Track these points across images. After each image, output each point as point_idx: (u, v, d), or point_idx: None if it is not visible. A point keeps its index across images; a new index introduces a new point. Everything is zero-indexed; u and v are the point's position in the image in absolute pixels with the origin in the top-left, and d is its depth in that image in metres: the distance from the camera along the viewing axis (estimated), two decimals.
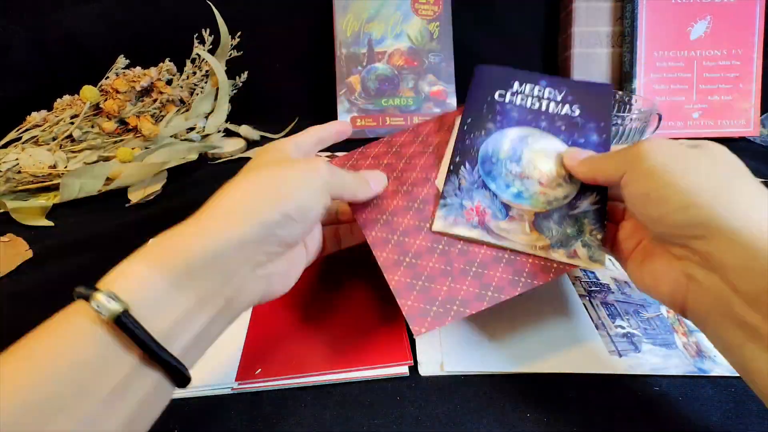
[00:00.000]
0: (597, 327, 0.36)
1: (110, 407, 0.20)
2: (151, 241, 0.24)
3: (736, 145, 0.75)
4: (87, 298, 0.20)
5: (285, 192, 0.26)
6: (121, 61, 0.69)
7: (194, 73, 0.72)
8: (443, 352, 0.33)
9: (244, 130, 0.75)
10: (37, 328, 0.21)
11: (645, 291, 0.30)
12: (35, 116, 0.63)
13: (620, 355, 0.34)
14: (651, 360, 0.33)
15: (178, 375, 0.22)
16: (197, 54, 0.71)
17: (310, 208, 0.27)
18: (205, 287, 0.23)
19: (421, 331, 0.29)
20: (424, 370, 0.32)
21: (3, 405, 0.18)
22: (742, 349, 0.23)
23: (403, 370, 0.32)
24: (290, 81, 0.84)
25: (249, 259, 0.25)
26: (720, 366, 0.33)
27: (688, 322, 0.37)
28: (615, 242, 0.33)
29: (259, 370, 0.32)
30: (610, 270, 0.43)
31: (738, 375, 0.25)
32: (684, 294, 0.26)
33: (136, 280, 0.22)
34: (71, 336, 0.20)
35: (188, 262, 0.23)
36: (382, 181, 0.35)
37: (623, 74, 0.76)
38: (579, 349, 0.34)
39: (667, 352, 0.34)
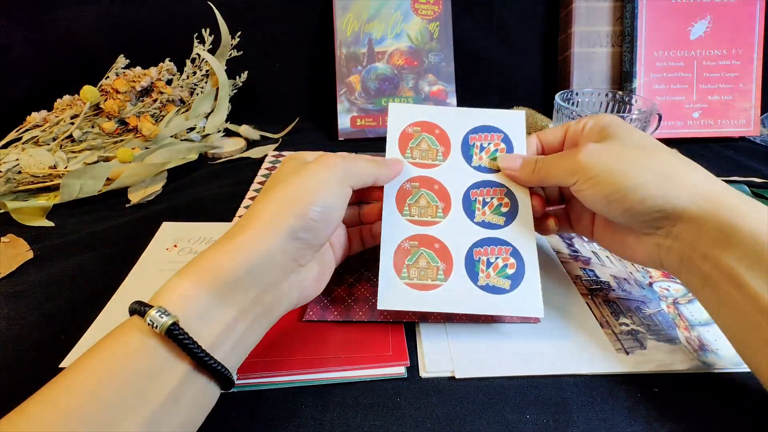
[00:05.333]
0: (602, 325, 0.36)
1: (167, 410, 0.22)
2: (193, 259, 0.26)
3: (736, 144, 0.75)
4: (142, 314, 0.23)
5: (304, 197, 0.27)
6: (121, 61, 0.69)
7: (194, 73, 0.72)
8: (453, 359, 0.33)
9: (244, 130, 0.75)
10: (98, 343, 0.23)
11: (624, 259, 0.39)
12: (35, 116, 0.63)
13: (627, 353, 0.34)
14: (657, 356, 0.33)
15: (224, 379, 0.24)
16: (197, 54, 0.71)
17: (331, 206, 0.28)
18: (244, 299, 0.25)
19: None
20: (432, 375, 0.32)
21: (74, 412, 0.20)
22: (701, 291, 0.29)
23: (400, 371, 0.32)
24: (290, 81, 0.84)
25: (282, 267, 0.27)
26: (723, 359, 0.33)
27: (688, 317, 0.37)
28: (570, 222, 0.39)
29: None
30: (608, 267, 0.43)
31: (740, 370, 0.32)
32: (658, 257, 0.31)
33: (183, 297, 0.24)
34: (131, 349, 0.22)
35: (227, 278, 0.25)
36: (400, 162, 0.36)
37: (623, 74, 0.76)
38: (587, 348, 0.34)
39: (672, 347, 0.34)
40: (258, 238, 0.26)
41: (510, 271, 0.34)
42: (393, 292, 0.32)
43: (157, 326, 0.22)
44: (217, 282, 0.25)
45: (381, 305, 0.32)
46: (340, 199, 0.29)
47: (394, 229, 0.35)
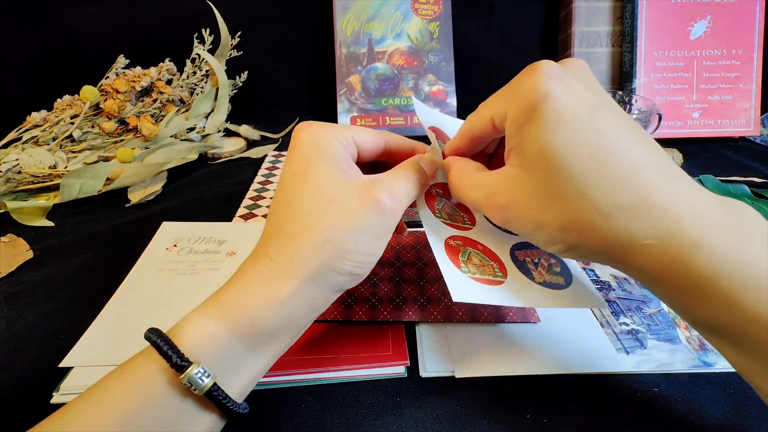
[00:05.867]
0: (602, 325, 0.36)
1: None
2: (224, 298, 0.25)
3: (736, 144, 0.75)
4: (178, 369, 0.22)
5: (351, 253, 0.25)
6: (121, 61, 0.69)
7: (194, 73, 0.72)
8: (453, 359, 0.33)
9: (244, 130, 0.75)
10: (121, 392, 0.22)
11: None
12: (35, 116, 0.63)
13: (627, 353, 0.34)
14: (657, 356, 0.33)
15: (242, 416, 0.25)
16: (197, 54, 0.71)
17: (375, 256, 0.27)
18: (278, 347, 0.26)
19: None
20: (432, 375, 0.32)
21: None
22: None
23: (400, 370, 0.32)
24: (290, 81, 0.84)
25: (319, 312, 0.27)
26: (723, 359, 0.33)
27: None
28: None
29: None
30: (608, 267, 0.42)
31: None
32: None
33: (219, 348, 0.24)
34: (161, 405, 0.22)
35: (266, 331, 0.25)
36: (434, 167, 0.32)
37: (623, 74, 0.76)
38: (587, 348, 0.34)
39: (672, 347, 0.34)
40: (301, 292, 0.25)
41: (557, 269, 0.34)
42: (463, 285, 0.30)
43: (196, 389, 0.22)
44: (255, 335, 0.25)
45: (456, 298, 0.29)
46: (385, 244, 0.28)
47: (435, 228, 0.33)
